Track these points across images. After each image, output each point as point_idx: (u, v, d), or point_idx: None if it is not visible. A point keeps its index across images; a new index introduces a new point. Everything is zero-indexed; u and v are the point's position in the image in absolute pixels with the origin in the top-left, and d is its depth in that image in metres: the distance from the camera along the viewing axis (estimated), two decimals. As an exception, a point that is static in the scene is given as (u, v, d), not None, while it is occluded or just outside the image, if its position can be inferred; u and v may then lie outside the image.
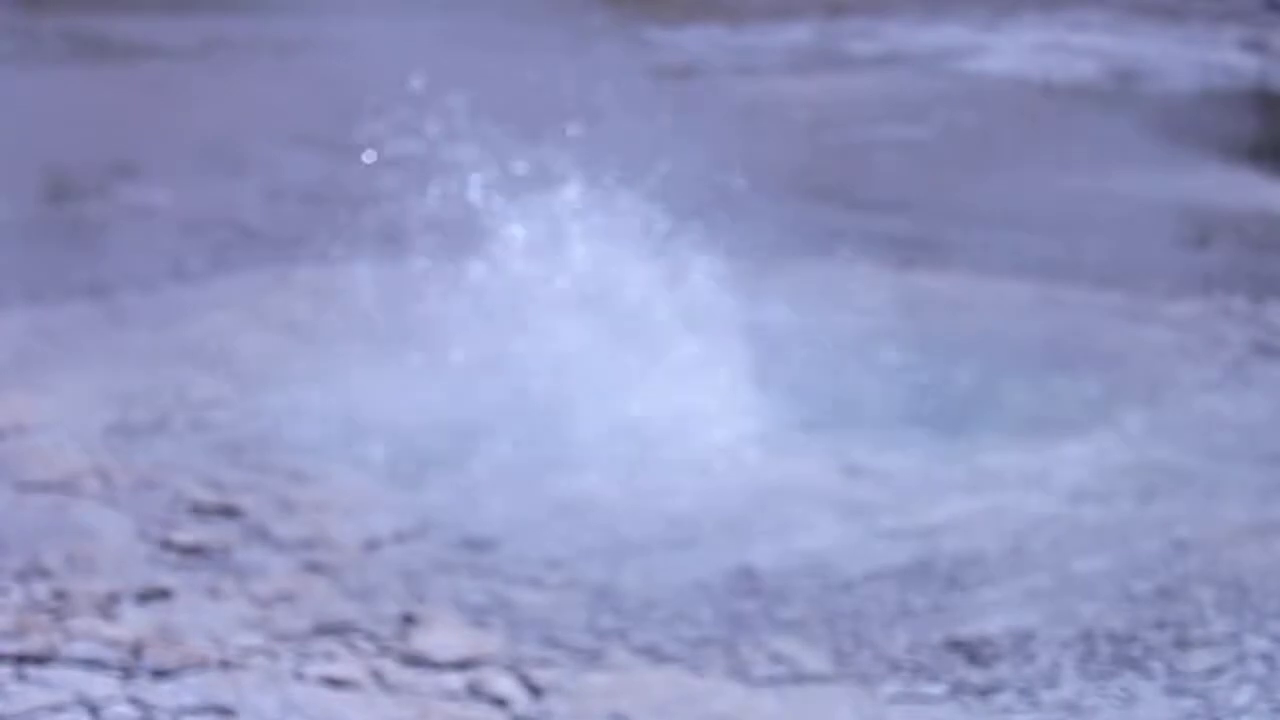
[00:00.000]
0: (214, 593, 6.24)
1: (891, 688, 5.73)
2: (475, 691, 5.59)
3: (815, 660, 5.90)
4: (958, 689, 5.72)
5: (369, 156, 9.56)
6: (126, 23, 18.19)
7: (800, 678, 5.78)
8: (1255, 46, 22.20)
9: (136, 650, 5.70)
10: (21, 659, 5.65)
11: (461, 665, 5.75)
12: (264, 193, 11.73)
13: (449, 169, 9.41)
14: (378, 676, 5.65)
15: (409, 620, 6.06)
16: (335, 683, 5.58)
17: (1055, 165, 14.10)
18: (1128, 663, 5.91)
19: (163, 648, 5.73)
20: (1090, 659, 5.93)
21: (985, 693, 5.70)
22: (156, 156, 12.07)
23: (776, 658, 5.91)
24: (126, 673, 5.58)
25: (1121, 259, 11.20)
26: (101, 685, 5.49)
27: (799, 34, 23.33)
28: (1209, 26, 24.86)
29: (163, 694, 5.46)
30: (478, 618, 6.18)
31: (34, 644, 5.71)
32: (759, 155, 14.05)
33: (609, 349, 8.85)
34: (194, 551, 6.60)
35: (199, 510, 7.03)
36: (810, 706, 5.61)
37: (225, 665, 5.64)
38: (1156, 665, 5.88)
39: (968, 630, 6.15)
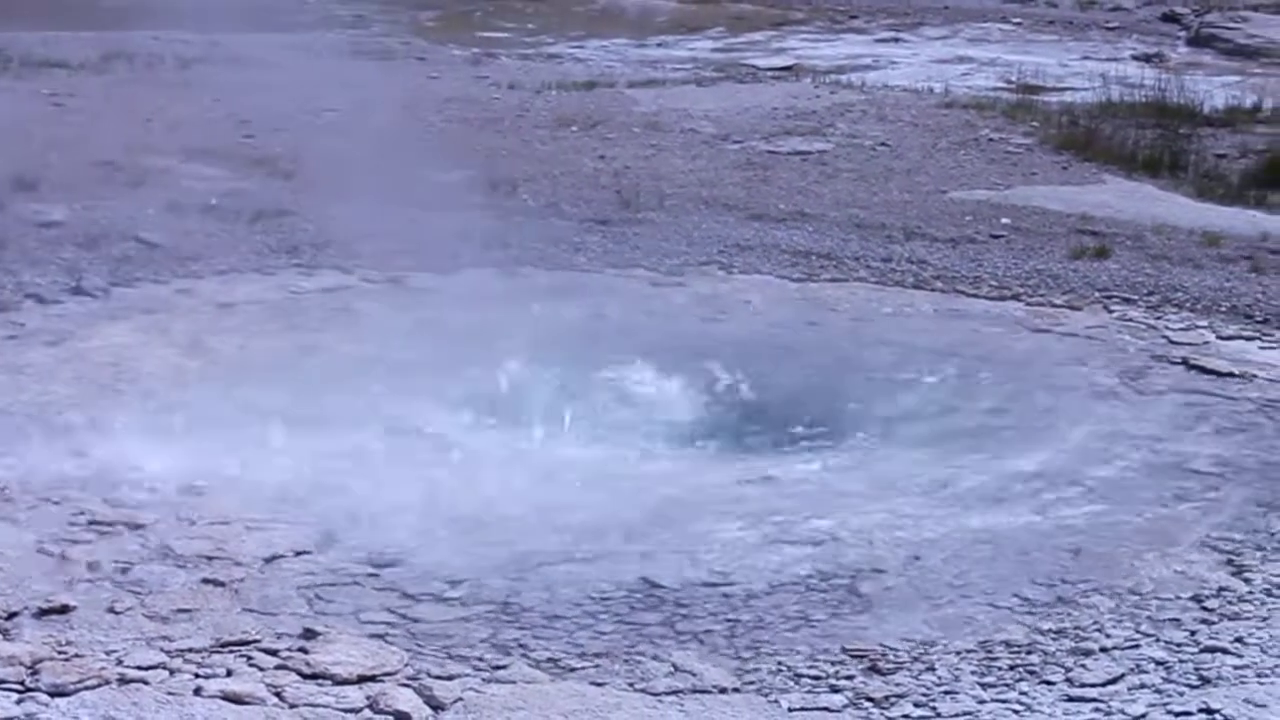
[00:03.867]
0: (113, 609, 6.19)
1: (793, 698, 5.75)
2: (376, 706, 5.57)
3: (717, 672, 5.92)
4: (858, 699, 5.75)
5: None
6: (24, 36, 18.03)
7: (701, 689, 5.79)
8: (1153, 59, 22.44)
9: (34, 668, 5.65)
10: (-84, 678, 5.59)
11: (362, 680, 5.73)
12: (163, 206, 11.64)
13: (346, 180, 9.39)
14: (278, 692, 5.62)
15: (309, 635, 6.03)
16: (235, 699, 5.55)
17: (956, 177, 14.21)
18: (1026, 671, 5.96)
19: (61, 665, 5.68)
20: (989, 668, 5.98)
21: (885, 703, 5.73)
22: (54, 171, 11.97)
23: (678, 669, 5.92)
24: (23, 690, 5.53)
25: (1021, 270, 11.29)
26: (-3, 704, 5.44)
27: (702, 47, 23.43)
28: (1108, 40, 25.11)
29: (60, 712, 5.42)
30: (378, 632, 6.16)
31: (-71, 663, 5.66)
32: (660, 167, 14.12)
33: (508, 361, 8.84)
34: (93, 567, 6.55)
35: (98, 525, 6.97)
36: (712, 718, 5.62)
37: (124, 682, 5.60)
38: (1055, 674, 5.94)
39: (868, 640, 6.19)
